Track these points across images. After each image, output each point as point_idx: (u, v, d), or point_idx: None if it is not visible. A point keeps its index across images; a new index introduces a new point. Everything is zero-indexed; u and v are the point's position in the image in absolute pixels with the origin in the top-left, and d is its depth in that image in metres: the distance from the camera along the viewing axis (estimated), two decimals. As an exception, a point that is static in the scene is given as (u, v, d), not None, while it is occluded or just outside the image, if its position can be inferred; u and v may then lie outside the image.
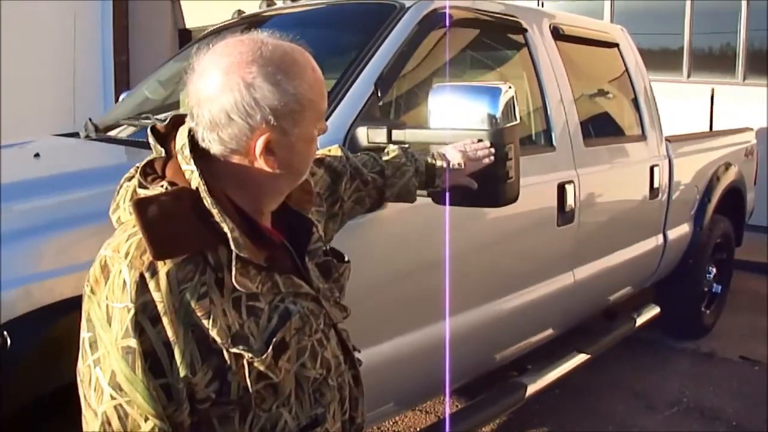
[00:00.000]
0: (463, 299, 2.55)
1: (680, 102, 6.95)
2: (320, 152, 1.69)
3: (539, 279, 2.99)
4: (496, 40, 3.06)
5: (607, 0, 8.24)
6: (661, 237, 4.00)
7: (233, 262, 1.10)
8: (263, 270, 1.16)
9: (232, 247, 1.10)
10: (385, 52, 2.36)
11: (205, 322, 1.09)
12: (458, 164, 1.83)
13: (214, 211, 1.11)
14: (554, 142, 3.04)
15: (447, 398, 3.35)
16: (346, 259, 1.43)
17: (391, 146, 1.85)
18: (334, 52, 2.58)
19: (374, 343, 2.21)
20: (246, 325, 1.13)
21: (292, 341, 1.20)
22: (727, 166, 4.68)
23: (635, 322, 3.87)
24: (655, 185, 3.77)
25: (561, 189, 2.96)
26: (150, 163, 1.20)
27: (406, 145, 1.88)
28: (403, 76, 2.45)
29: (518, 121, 1.93)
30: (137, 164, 1.20)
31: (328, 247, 1.41)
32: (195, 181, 1.13)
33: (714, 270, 4.71)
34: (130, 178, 1.22)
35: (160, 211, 1.09)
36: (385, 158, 1.80)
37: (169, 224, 1.09)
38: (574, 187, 3.04)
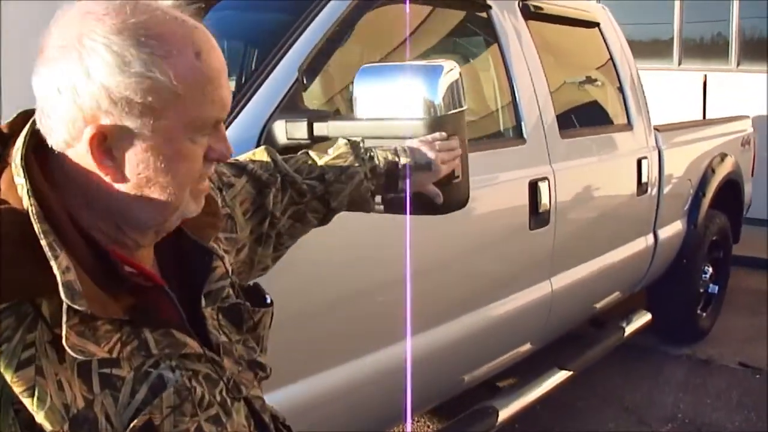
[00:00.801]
0: (424, 316, 2.23)
1: (671, 91, 6.60)
2: (243, 156, 1.34)
3: (510, 291, 2.63)
4: (454, 19, 2.68)
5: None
6: (651, 237, 3.64)
7: (63, 317, 0.81)
8: (125, 325, 0.87)
9: (62, 295, 0.80)
10: (314, 33, 1.98)
11: (27, 400, 0.79)
12: (429, 163, 1.44)
13: (43, 242, 0.81)
14: (525, 134, 2.67)
15: (408, 429, 2.99)
16: (269, 300, 1.12)
17: (340, 140, 1.45)
18: (260, 36, 2.21)
19: (321, 369, 1.94)
20: (97, 402, 0.84)
21: (164, 424, 0.88)
22: (723, 156, 4.34)
23: (624, 332, 3.52)
24: (644, 179, 3.41)
25: (533, 187, 2.60)
26: None
27: (358, 139, 1.48)
28: (336, 61, 2.07)
29: (465, 107, 1.55)
30: None
31: (237, 286, 1.08)
32: (25, 199, 0.84)
33: (710, 269, 4.37)
34: None
35: None
36: (326, 159, 1.41)
37: None
38: (549, 184, 2.67)
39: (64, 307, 0.80)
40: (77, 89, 0.83)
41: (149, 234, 0.94)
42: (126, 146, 0.86)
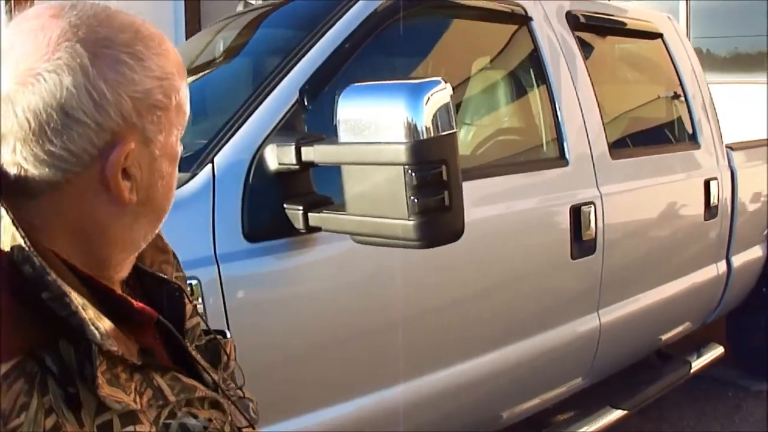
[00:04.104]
0: (460, 349, 2.12)
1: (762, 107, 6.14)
2: None
3: (551, 324, 2.42)
4: (486, 33, 2.51)
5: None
6: (723, 264, 3.32)
7: (95, 364, 0.67)
8: (136, 370, 0.74)
9: (92, 336, 0.68)
10: (319, 51, 1.87)
11: None
12: None
13: (50, 277, 0.68)
14: (567, 156, 2.46)
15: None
16: (228, 334, 1.03)
17: None
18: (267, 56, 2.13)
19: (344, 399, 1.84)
20: None
21: None
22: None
23: (690, 366, 3.22)
24: (712, 202, 3.11)
25: (575, 213, 2.39)
26: None
27: None
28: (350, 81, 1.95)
29: (453, 129, 1.40)
30: None
31: (206, 322, 0.98)
32: (8, 234, 0.70)
33: (795, 298, 3.96)
34: None
35: None
36: None
37: None
38: (595, 210, 2.45)
39: (95, 350, 0.68)
40: (97, 105, 0.72)
41: (132, 260, 0.84)
42: (145, 159, 0.77)
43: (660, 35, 3.18)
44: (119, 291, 0.83)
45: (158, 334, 0.84)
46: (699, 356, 3.34)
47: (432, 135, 1.37)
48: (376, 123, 1.40)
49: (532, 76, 2.53)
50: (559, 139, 2.47)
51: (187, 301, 0.93)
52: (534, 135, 2.57)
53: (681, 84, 3.21)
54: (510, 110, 2.64)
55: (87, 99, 0.70)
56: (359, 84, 1.48)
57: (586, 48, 2.72)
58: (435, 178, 1.37)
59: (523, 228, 2.30)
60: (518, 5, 2.46)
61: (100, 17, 0.74)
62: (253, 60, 2.32)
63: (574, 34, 2.64)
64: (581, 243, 2.42)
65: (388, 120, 1.38)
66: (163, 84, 0.76)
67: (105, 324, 0.70)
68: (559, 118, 2.47)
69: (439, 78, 1.40)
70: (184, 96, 0.80)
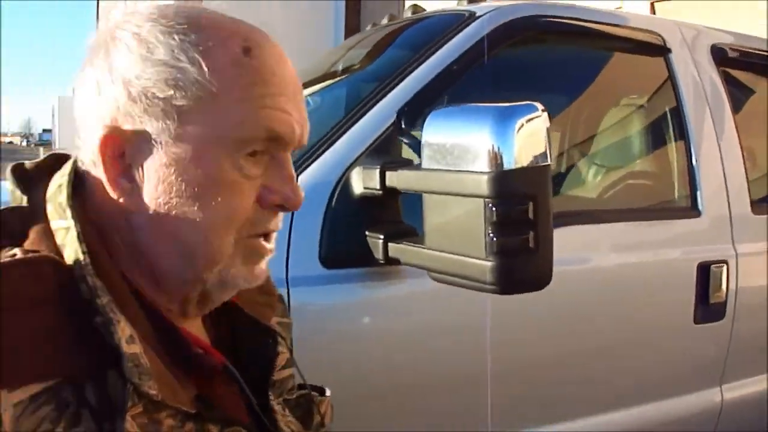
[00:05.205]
0: (552, 411, 1.93)
1: None
2: None
3: (661, 394, 2.14)
4: (623, 65, 2.30)
5: None
6: None
7: (126, 402, 0.62)
8: (188, 420, 0.67)
9: (129, 373, 0.62)
10: (423, 73, 1.76)
11: None
12: None
13: (100, 301, 0.63)
14: (700, 206, 2.19)
15: None
16: (327, 392, 0.94)
17: None
18: (373, 74, 2.03)
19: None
20: None
21: None
22: None
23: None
24: None
25: (704, 271, 2.11)
26: (3, 220, 0.71)
27: None
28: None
29: (549, 162, 1.23)
30: None
31: (302, 376, 0.89)
32: (71, 247, 0.66)
33: None
34: None
35: None
36: None
37: (10, 325, 0.60)
38: (728, 269, 2.16)
39: (129, 389, 0.62)
40: (101, 90, 0.68)
41: (191, 300, 0.74)
42: (145, 158, 0.68)
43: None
44: (192, 327, 0.75)
45: (234, 382, 0.75)
46: None
47: (520, 166, 1.20)
48: (459, 149, 1.25)
49: (666, 114, 2.28)
50: (692, 187, 2.20)
51: (282, 350, 0.84)
52: (662, 180, 2.31)
53: None
54: (634, 149, 2.40)
55: (95, 80, 0.69)
56: (448, 106, 1.35)
57: (734, 87, 2.44)
58: (519, 215, 1.20)
59: (641, 282, 2.05)
60: (655, 34, 2.23)
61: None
62: (360, 77, 2.24)
63: (718, 71, 2.37)
64: (707, 306, 2.13)
65: (472, 146, 1.23)
66: (187, 75, 0.66)
67: (150, 362, 0.64)
68: (694, 164, 2.20)
69: (534, 103, 1.23)
70: (233, 110, 0.67)
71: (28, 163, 0.78)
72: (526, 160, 1.20)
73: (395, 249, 1.50)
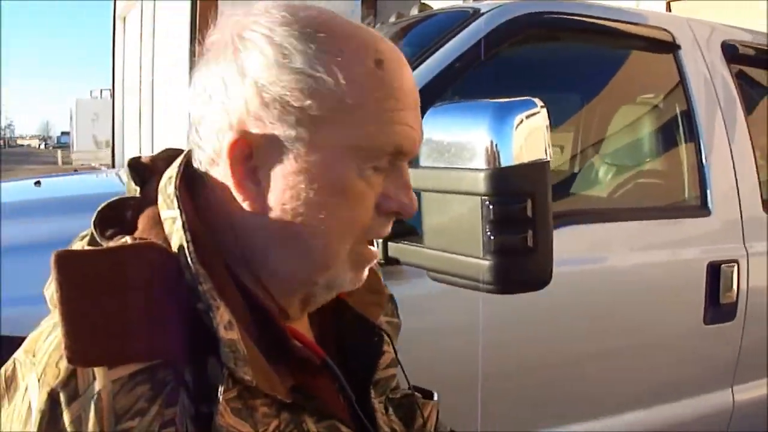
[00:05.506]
0: (564, 411, 1.91)
1: None
2: None
3: (670, 398, 2.10)
4: (633, 62, 2.26)
5: None
6: None
7: (221, 387, 0.63)
8: (284, 410, 0.69)
9: (225, 358, 0.64)
10: (426, 70, 1.73)
11: None
12: None
13: (201, 287, 0.65)
14: (710, 205, 2.15)
15: None
16: (435, 397, 0.94)
17: None
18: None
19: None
20: None
21: None
22: None
23: None
24: None
25: (714, 271, 2.07)
26: (116, 209, 0.75)
27: None
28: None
29: (548, 159, 1.20)
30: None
31: (407, 377, 0.92)
32: (177, 235, 0.68)
33: None
34: (84, 237, 0.78)
35: (102, 280, 0.64)
36: None
37: (115, 305, 0.63)
38: (738, 269, 2.12)
39: (224, 374, 0.63)
40: (228, 90, 0.68)
41: (293, 300, 0.75)
42: (274, 164, 0.68)
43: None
44: (297, 323, 0.76)
45: (334, 378, 0.76)
46: None
47: (518, 163, 1.18)
48: (457, 146, 1.23)
49: (676, 112, 2.25)
50: (702, 186, 2.16)
51: (388, 349, 0.85)
52: (672, 179, 2.28)
53: None
54: (644, 148, 2.36)
55: (221, 80, 0.70)
56: (447, 103, 1.33)
57: (748, 85, 2.40)
58: (517, 213, 1.17)
59: (647, 282, 2.02)
60: (664, 30, 2.20)
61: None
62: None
63: (730, 69, 2.33)
64: (718, 307, 2.09)
65: (470, 143, 1.20)
66: (325, 84, 0.67)
67: (247, 349, 0.65)
68: (704, 163, 2.17)
69: (533, 98, 1.21)
70: (366, 122, 0.68)
71: (144, 157, 0.80)
72: (524, 157, 1.18)
73: (395, 248, 1.48)
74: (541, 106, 1.21)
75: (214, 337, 0.64)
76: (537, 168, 1.19)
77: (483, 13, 1.90)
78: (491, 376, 1.68)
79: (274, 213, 0.69)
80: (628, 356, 2.03)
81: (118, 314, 0.62)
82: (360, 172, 0.69)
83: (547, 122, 1.21)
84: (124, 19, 15.32)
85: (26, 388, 0.63)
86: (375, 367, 0.83)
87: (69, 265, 0.63)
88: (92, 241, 0.73)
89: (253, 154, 0.68)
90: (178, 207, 0.69)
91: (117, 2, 15.45)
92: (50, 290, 0.69)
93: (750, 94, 2.40)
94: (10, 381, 0.66)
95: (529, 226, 1.18)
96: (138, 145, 12.82)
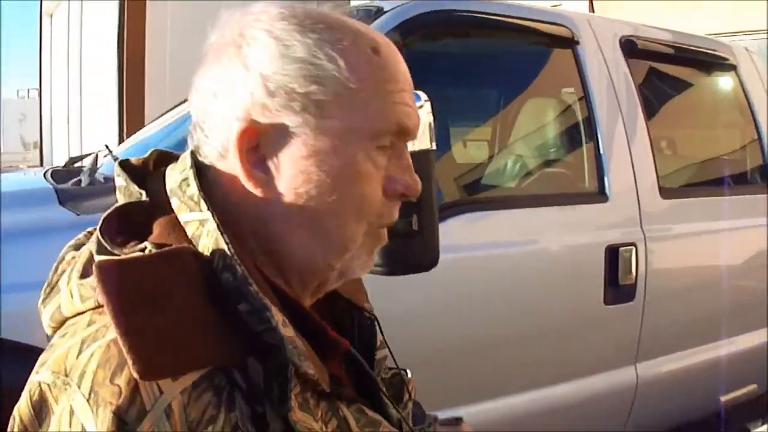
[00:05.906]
0: (478, 390, 2.00)
1: None
2: None
3: (577, 373, 2.22)
4: (532, 56, 2.37)
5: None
6: (797, 322, 2.99)
7: (290, 385, 0.63)
8: (323, 398, 0.69)
9: (291, 355, 0.64)
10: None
11: None
12: None
13: (252, 288, 0.64)
14: (607, 191, 2.27)
15: None
16: (409, 374, 0.95)
17: None
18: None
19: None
20: None
21: None
22: None
23: (750, 435, 2.89)
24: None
25: (612, 254, 2.19)
26: (120, 217, 0.71)
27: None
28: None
29: (432, 147, 1.27)
30: (89, 228, 0.75)
31: (393, 357, 0.93)
32: (210, 238, 0.67)
33: None
34: (78, 246, 0.76)
35: (150, 289, 0.63)
36: None
37: (170, 313, 0.62)
38: (636, 252, 2.24)
39: (290, 370, 0.63)
40: (233, 85, 0.70)
41: (308, 291, 0.76)
42: (282, 150, 0.69)
43: (734, 67, 2.93)
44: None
45: (345, 364, 0.77)
46: (765, 423, 3.00)
47: (403, 152, 1.24)
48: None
49: (576, 104, 2.36)
50: (599, 171, 2.28)
51: (377, 331, 0.87)
52: (568, 166, 2.39)
53: (755, 121, 2.93)
54: (540, 137, 2.47)
55: (226, 76, 0.71)
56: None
57: (641, 76, 2.53)
58: (402, 199, 1.24)
59: (550, 267, 2.13)
60: (563, 26, 2.30)
61: None
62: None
63: (628, 63, 2.45)
64: (616, 288, 2.21)
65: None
66: (325, 71, 0.69)
67: (302, 345, 0.66)
68: (601, 151, 2.28)
69: (416, 92, 1.27)
70: (369, 104, 0.70)
71: (134, 159, 0.78)
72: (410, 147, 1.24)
73: None
74: (425, 100, 1.28)
75: (253, 338, 0.64)
76: (420, 156, 1.25)
77: (385, 12, 1.96)
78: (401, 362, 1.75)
79: (288, 198, 0.70)
80: (534, 337, 2.12)
81: (174, 323, 0.62)
82: (367, 154, 0.71)
83: (431, 115, 1.28)
84: (51, 16, 14.87)
85: (70, 412, 0.59)
86: (374, 350, 0.85)
87: (115, 276, 0.62)
88: (100, 250, 0.68)
89: (261, 143, 0.70)
90: (208, 209, 0.68)
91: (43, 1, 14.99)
92: (51, 306, 0.70)
93: (661, 88, 2.53)
94: (39, 407, 0.62)
95: (413, 211, 1.25)
96: (67, 146, 12.46)
